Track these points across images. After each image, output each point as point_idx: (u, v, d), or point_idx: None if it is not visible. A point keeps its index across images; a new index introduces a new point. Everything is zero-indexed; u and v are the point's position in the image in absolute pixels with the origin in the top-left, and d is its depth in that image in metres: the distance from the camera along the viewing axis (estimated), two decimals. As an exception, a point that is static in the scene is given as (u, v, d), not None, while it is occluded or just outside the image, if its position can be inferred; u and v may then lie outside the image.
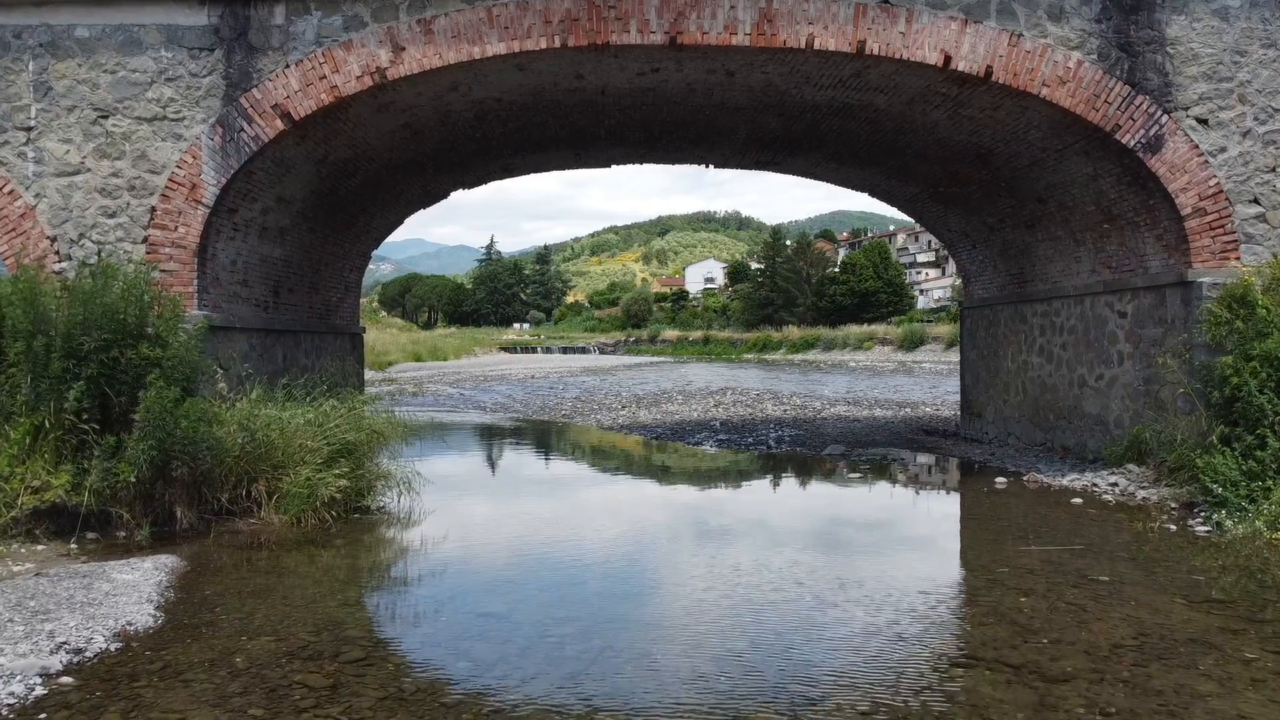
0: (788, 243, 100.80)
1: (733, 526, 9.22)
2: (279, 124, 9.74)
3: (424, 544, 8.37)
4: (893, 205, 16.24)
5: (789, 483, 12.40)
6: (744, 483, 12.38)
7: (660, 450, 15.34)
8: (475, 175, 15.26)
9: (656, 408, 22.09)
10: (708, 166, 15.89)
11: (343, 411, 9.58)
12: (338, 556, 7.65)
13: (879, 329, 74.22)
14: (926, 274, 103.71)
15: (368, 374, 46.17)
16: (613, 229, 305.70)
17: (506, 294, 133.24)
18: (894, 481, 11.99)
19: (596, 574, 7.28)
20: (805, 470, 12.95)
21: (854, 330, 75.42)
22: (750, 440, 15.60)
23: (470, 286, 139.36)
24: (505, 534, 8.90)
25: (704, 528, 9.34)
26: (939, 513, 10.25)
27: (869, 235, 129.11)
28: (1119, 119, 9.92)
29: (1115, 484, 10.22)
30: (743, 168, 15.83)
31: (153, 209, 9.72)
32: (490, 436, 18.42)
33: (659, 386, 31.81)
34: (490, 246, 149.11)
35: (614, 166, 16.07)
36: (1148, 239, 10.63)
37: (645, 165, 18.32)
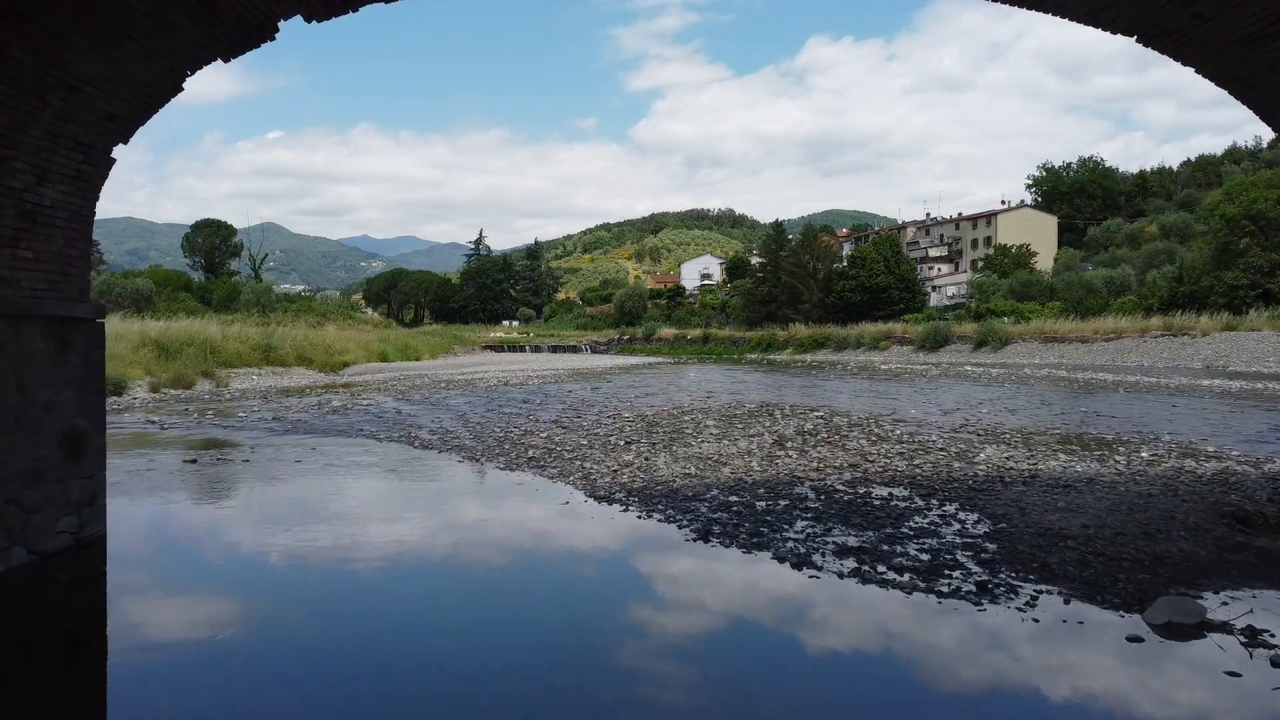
0: (790, 237, 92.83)
1: None
2: None
3: None
4: (1258, 109, 7.68)
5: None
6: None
7: (739, 626, 6.91)
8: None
9: (682, 446, 13.72)
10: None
11: None
12: None
13: (896, 327, 69.02)
14: (939, 269, 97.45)
15: (310, 377, 36.70)
16: (605, 226, 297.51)
17: (495, 290, 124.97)
18: None
19: None
20: None
21: (868, 328, 70.29)
22: (924, 557, 7.27)
23: (458, 283, 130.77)
24: None
25: None
26: None
27: (874, 230, 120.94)
28: None
29: None
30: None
31: None
32: (338, 555, 9.83)
33: (670, 398, 23.59)
34: (479, 241, 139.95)
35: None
36: None
37: None
